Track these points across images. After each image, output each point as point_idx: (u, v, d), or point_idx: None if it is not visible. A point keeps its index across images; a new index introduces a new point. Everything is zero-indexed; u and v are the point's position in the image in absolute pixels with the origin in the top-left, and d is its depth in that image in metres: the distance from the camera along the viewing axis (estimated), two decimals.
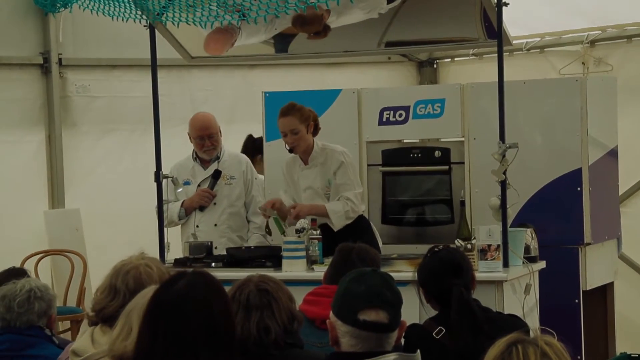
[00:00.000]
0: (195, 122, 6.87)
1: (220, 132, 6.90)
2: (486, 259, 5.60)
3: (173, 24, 6.08)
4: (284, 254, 5.95)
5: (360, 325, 3.19)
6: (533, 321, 5.62)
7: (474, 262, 5.48)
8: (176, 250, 6.61)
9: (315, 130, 6.36)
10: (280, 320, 3.37)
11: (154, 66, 6.45)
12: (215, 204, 6.85)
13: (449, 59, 9.79)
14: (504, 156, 5.69)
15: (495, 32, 5.99)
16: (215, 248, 6.54)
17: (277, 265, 5.97)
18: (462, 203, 6.26)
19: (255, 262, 6.09)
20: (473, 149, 6.89)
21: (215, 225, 6.84)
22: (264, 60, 8.39)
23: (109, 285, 3.72)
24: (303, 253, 5.93)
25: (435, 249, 4.33)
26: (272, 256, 6.13)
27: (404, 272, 5.35)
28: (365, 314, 3.19)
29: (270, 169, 7.20)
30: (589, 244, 6.70)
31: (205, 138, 6.81)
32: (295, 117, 6.24)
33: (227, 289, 3.07)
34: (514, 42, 7.26)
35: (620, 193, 7.52)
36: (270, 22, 6.04)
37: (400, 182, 7.21)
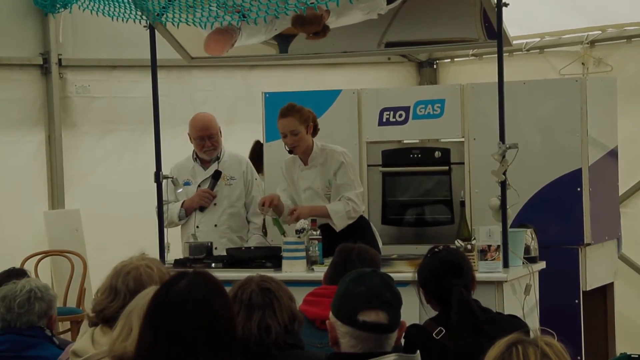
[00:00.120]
0: (196, 122, 6.87)
1: (220, 132, 6.90)
2: (486, 260, 5.60)
3: (173, 24, 6.08)
4: (284, 254, 5.95)
5: (359, 326, 3.19)
6: (533, 322, 5.62)
7: (474, 262, 5.48)
8: (176, 250, 6.61)
9: (315, 131, 6.36)
10: (281, 320, 3.37)
11: (154, 67, 6.45)
12: (215, 204, 6.85)
13: (449, 60, 9.79)
14: (503, 156, 5.69)
15: (495, 32, 5.99)
16: (216, 249, 6.53)
17: (277, 266, 5.97)
18: (462, 203, 6.26)
19: (255, 262, 6.09)
20: (473, 150, 6.89)
21: (216, 225, 6.84)
22: (264, 61, 8.39)
23: (110, 286, 3.72)
24: (303, 253, 5.93)
25: (436, 250, 4.33)
26: (272, 257, 6.13)
27: (404, 272, 5.35)
28: (365, 315, 3.19)
29: (270, 169, 7.20)
30: (589, 244, 6.70)
31: (205, 138, 6.81)
32: (295, 118, 6.24)
33: (227, 289, 3.07)
34: (514, 42, 7.26)
35: (620, 193, 7.52)
36: (270, 23, 6.04)
37: (400, 182, 7.21)
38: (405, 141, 7.27)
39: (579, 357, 6.48)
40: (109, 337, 3.43)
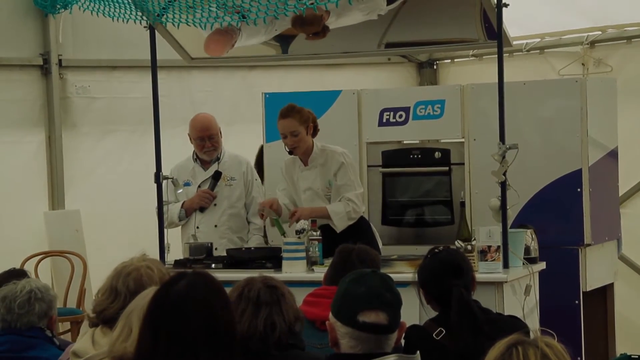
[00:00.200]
0: (196, 123, 6.88)
1: (220, 133, 6.90)
2: (486, 260, 5.60)
3: (173, 25, 6.08)
4: (284, 255, 5.95)
5: (359, 326, 3.19)
6: (533, 322, 5.62)
7: (474, 263, 5.48)
8: (176, 251, 6.61)
9: (315, 131, 6.36)
10: (287, 318, 3.38)
11: (154, 67, 6.45)
12: (215, 205, 6.85)
13: (449, 60, 9.79)
14: (504, 157, 5.69)
15: (495, 33, 5.99)
16: (216, 249, 6.54)
17: (277, 266, 5.97)
18: (462, 204, 6.26)
19: (255, 263, 6.09)
20: (473, 150, 6.89)
21: (216, 226, 6.84)
22: (263, 62, 8.39)
23: (110, 287, 3.72)
24: (303, 254, 5.93)
25: (436, 250, 4.33)
26: (272, 257, 6.13)
27: (404, 273, 5.36)
28: (365, 316, 3.20)
29: (270, 170, 7.20)
30: (589, 245, 6.70)
31: (205, 139, 6.81)
32: (295, 119, 6.24)
33: (227, 290, 3.07)
34: (514, 43, 7.26)
35: (620, 194, 7.52)
36: (270, 24, 6.04)
37: (400, 183, 7.21)
38: (405, 142, 7.27)
39: (579, 358, 6.48)
40: (109, 337, 3.43)
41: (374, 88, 7.77)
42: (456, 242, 5.64)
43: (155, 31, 6.46)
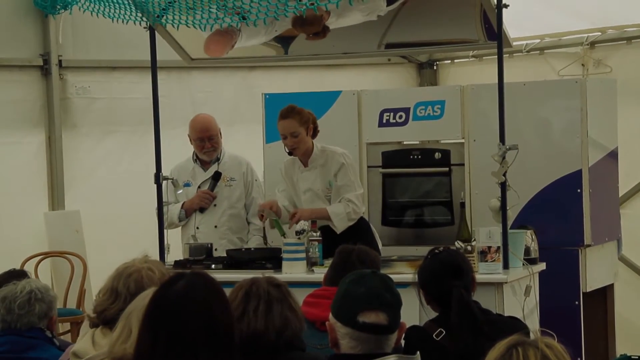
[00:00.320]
0: (196, 123, 6.88)
1: (220, 133, 6.91)
2: (486, 261, 5.60)
3: (173, 26, 6.09)
4: (284, 255, 5.95)
5: (359, 327, 3.19)
6: (533, 323, 5.62)
7: (474, 263, 5.48)
8: (176, 252, 6.61)
9: (315, 132, 6.36)
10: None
11: (154, 68, 6.45)
12: (215, 205, 6.85)
13: (449, 61, 9.79)
14: (504, 158, 5.69)
15: (495, 33, 6.00)
16: (215, 250, 6.54)
17: (277, 267, 5.97)
18: (462, 205, 6.26)
19: (255, 263, 6.09)
20: (473, 151, 6.89)
21: (216, 226, 6.84)
22: (263, 62, 8.39)
23: (111, 288, 3.72)
24: (303, 255, 5.93)
25: (436, 251, 4.33)
26: (272, 258, 6.13)
27: (404, 273, 5.35)
28: (365, 316, 3.20)
29: (269, 170, 7.20)
30: (589, 245, 6.70)
31: (205, 140, 6.81)
32: (295, 119, 6.24)
33: (227, 290, 3.07)
34: (514, 43, 7.26)
35: (620, 194, 7.52)
36: (270, 24, 6.04)
37: (400, 183, 7.21)
38: (405, 142, 7.27)
39: (579, 359, 6.48)
40: (109, 338, 3.43)
41: (374, 89, 7.77)
42: (456, 243, 5.64)
43: (155, 32, 6.46)
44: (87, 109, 8.42)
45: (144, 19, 6.20)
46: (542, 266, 6.03)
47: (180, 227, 6.91)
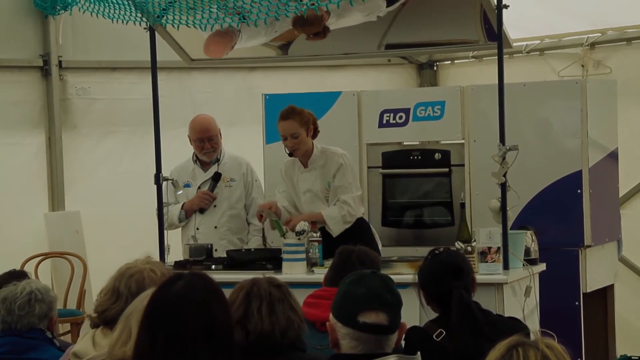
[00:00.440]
0: (195, 124, 6.87)
1: (220, 134, 6.90)
2: (486, 262, 5.60)
3: (173, 26, 6.09)
4: (284, 256, 5.95)
5: (360, 327, 3.19)
6: (533, 324, 5.62)
7: (474, 264, 5.48)
8: (176, 252, 6.61)
9: (315, 133, 6.36)
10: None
11: (154, 68, 6.45)
12: (215, 206, 6.85)
13: (449, 62, 9.79)
14: (504, 158, 5.69)
15: (495, 34, 6.00)
16: (216, 250, 6.53)
17: (277, 268, 5.97)
18: (462, 205, 6.26)
19: (255, 264, 6.08)
20: (473, 151, 6.89)
21: (216, 227, 6.83)
22: (264, 63, 8.38)
23: (112, 288, 3.72)
24: (303, 255, 5.92)
25: (436, 252, 4.33)
26: (272, 258, 6.12)
27: (404, 274, 5.35)
28: (365, 316, 3.20)
29: (269, 171, 7.20)
30: (589, 246, 6.70)
31: (205, 140, 6.81)
32: (296, 120, 6.23)
33: (227, 291, 3.07)
34: (514, 44, 7.26)
35: (620, 195, 7.52)
36: (271, 25, 6.04)
37: (400, 184, 7.21)
38: (405, 143, 7.27)
39: (579, 359, 6.48)
40: (109, 339, 3.43)
41: (374, 89, 7.77)
42: (456, 244, 5.64)
43: (155, 32, 6.46)
44: (87, 110, 8.42)
45: (144, 19, 6.20)
46: (542, 267, 6.03)
47: (180, 228, 6.91)
